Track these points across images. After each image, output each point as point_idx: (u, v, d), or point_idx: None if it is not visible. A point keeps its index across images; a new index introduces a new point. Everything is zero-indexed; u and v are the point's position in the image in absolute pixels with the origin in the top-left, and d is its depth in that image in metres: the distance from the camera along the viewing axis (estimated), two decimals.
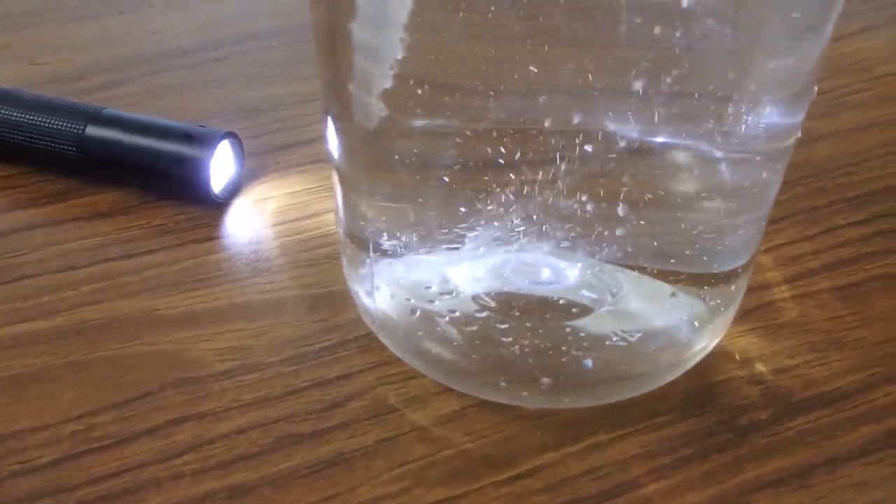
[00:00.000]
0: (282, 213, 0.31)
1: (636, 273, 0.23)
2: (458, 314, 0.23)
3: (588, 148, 0.20)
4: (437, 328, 0.24)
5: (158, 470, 0.23)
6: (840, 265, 0.29)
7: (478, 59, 0.20)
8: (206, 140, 0.30)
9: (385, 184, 0.23)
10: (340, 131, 0.23)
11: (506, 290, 0.23)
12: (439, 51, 0.20)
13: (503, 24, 0.19)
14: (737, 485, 0.23)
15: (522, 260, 0.23)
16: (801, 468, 0.23)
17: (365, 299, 0.25)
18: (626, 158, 0.21)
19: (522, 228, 0.22)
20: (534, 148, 0.21)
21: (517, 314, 0.23)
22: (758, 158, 0.22)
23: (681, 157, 0.21)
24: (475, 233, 0.22)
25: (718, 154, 0.21)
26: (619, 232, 0.22)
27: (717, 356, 0.26)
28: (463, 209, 0.22)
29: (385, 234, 0.24)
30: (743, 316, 0.27)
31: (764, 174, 0.23)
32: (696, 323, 0.24)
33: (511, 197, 0.21)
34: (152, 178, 0.31)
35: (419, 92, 0.21)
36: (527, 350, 0.23)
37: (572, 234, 0.22)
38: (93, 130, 0.31)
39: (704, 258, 0.23)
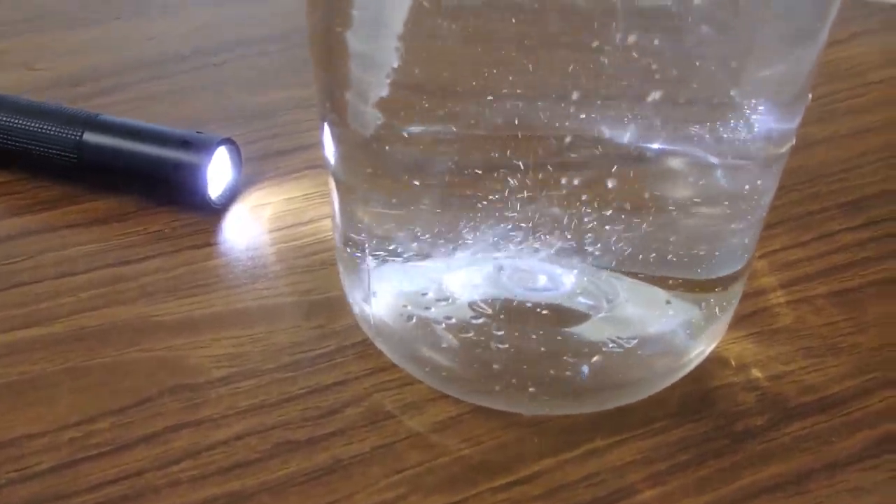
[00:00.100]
0: (279, 219, 0.31)
1: (632, 279, 0.23)
2: (454, 321, 0.23)
3: (584, 154, 0.21)
4: (434, 335, 0.24)
5: (156, 477, 0.23)
6: (835, 271, 0.29)
7: (473, 67, 0.20)
8: (203, 146, 0.31)
9: (381, 190, 0.23)
10: (337, 138, 0.23)
11: (502, 296, 0.23)
12: (435, 58, 0.20)
13: (498, 32, 0.19)
14: (733, 491, 0.23)
15: (518, 266, 0.23)
16: (798, 474, 0.23)
17: (361, 306, 0.25)
18: (622, 165, 0.21)
19: (518, 235, 0.22)
20: (529, 154, 0.21)
21: (513, 321, 0.23)
22: (753, 164, 0.22)
23: (676, 163, 0.21)
24: (471, 239, 0.22)
25: (714, 160, 0.21)
26: (614, 238, 0.22)
27: (713, 362, 0.26)
28: (459, 216, 0.22)
29: (381, 240, 0.24)
30: (738, 322, 0.27)
31: (759, 180, 0.23)
32: (691, 329, 0.24)
33: (507, 203, 0.21)
34: (149, 185, 0.31)
35: (415, 99, 0.21)
36: (523, 356, 0.23)
37: (568, 241, 0.22)
38: (90, 136, 0.31)
39: (700, 264, 0.23)
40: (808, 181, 0.33)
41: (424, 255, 0.23)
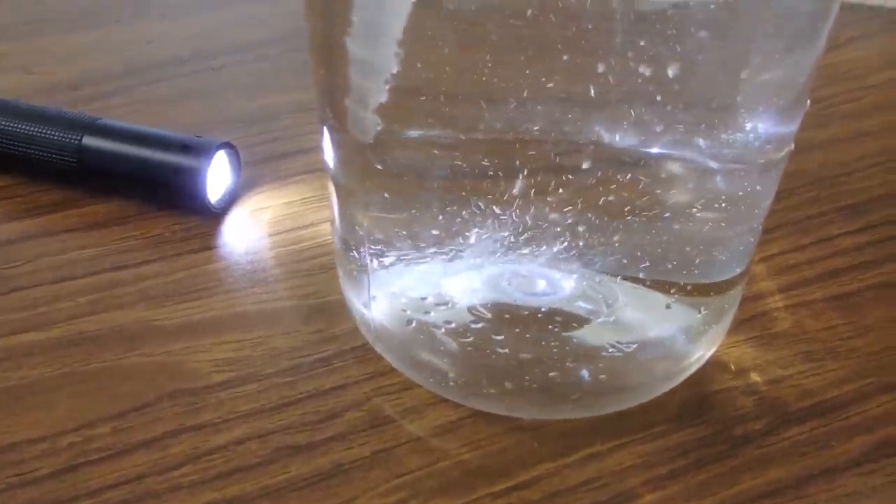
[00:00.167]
0: (278, 223, 0.31)
1: (631, 284, 0.23)
2: (453, 325, 0.23)
3: (583, 159, 0.21)
4: (433, 339, 0.24)
5: (156, 482, 0.23)
6: (834, 275, 0.29)
7: (473, 72, 0.20)
8: (202, 150, 0.31)
9: (381, 194, 0.23)
10: (336, 142, 0.23)
11: (501, 301, 0.24)
12: (434, 64, 0.20)
13: (498, 37, 0.19)
14: (732, 496, 0.23)
15: (518, 271, 0.23)
16: (797, 479, 0.23)
17: (361, 310, 0.25)
18: (621, 169, 0.21)
19: (518, 239, 0.22)
20: (529, 159, 0.21)
21: (513, 325, 0.23)
22: (752, 169, 0.22)
23: (675, 167, 0.21)
24: (471, 244, 0.22)
25: (713, 165, 0.22)
26: (614, 243, 0.22)
27: (713, 366, 0.26)
28: (458, 220, 0.22)
29: (381, 244, 0.24)
30: (737, 326, 0.27)
31: (758, 185, 0.23)
32: (691, 333, 0.24)
33: (506, 208, 0.21)
34: (149, 189, 0.31)
35: (415, 104, 0.21)
36: (522, 361, 0.23)
37: (568, 245, 0.22)
38: (89, 141, 0.31)
39: (699, 269, 0.23)
40: (806, 185, 0.33)
41: (424, 260, 0.23)
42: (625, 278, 0.23)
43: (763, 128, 0.21)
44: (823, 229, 0.31)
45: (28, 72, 0.39)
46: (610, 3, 0.18)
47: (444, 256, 0.23)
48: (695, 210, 0.22)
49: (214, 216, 0.31)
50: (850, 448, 0.24)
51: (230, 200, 0.32)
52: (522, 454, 0.24)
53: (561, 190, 0.21)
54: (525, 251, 0.22)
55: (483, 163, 0.21)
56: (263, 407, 0.25)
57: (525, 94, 0.20)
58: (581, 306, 0.24)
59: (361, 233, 0.24)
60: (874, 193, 0.33)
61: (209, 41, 0.41)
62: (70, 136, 0.31)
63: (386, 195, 0.23)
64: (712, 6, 0.19)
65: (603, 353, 0.23)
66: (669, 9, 0.19)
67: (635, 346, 0.23)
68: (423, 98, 0.21)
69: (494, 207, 0.21)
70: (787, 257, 0.30)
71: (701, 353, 0.25)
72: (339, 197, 0.24)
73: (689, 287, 0.23)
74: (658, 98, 0.20)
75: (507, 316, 0.23)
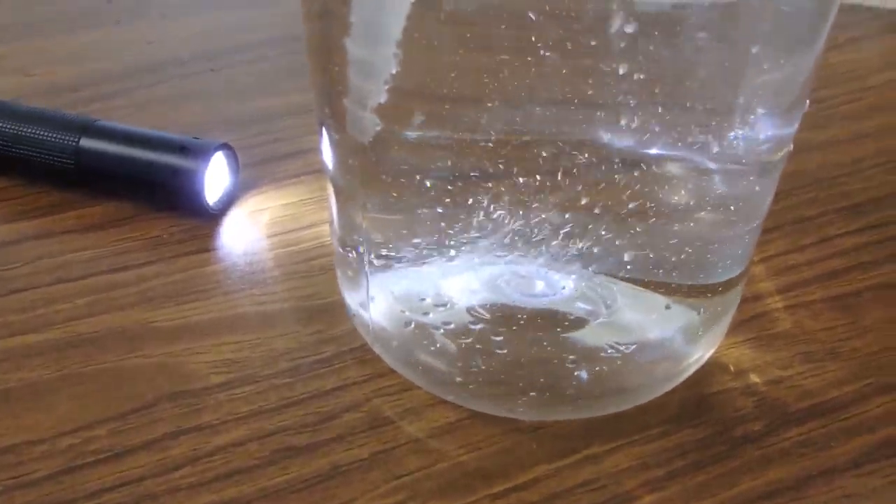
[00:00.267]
0: (276, 224, 0.31)
1: (630, 285, 0.23)
2: (452, 326, 0.23)
3: (582, 160, 0.21)
4: (432, 340, 0.24)
5: (155, 484, 0.23)
6: (833, 275, 0.29)
7: (472, 72, 0.20)
8: (200, 152, 0.31)
9: (380, 195, 0.23)
10: (335, 143, 0.23)
11: (500, 302, 0.23)
12: (433, 65, 0.20)
13: (497, 38, 0.19)
14: (731, 497, 0.23)
15: (516, 272, 0.23)
16: (796, 480, 0.23)
17: (360, 311, 0.25)
18: (620, 170, 0.21)
19: (516, 240, 0.22)
20: (527, 159, 0.21)
21: (511, 326, 0.23)
22: (751, 170, 0.22)
23: (674, 168, 0.21)
24: (469, 245, 0.22)
25: (712, 166, 0.22)
26: (612, 244, 0.22)
27: (712, 367, 0.26)
28: (457, 221, 0.22)
29: (380, 245, 0.24)
30: (736, 327, 0.27)
31: (757, 185, 0.23)
32: (690, 334, 0.24)
33: (505, 209, 0.21)
34: (147, 190, 0.31)
35: (413, 105, 0.21)
36: (521, 362, 0.23)
37: (566, 246, 0.22)
38: (87, 142, 0.31)
39: (698, 269, 0.23)
40: (805, 186, 0.33)
41: (422, 261, 0.23)
42: (624, 279, 0.23)
43: (762, 129, 0.21)
44: (822, 230, 0.31)
45: (27, 73, 0.39)
46: (609, 5, 0.18)
47: (443, 257, 0.23)
48: (694, 211, 0.22)
49: (213, 218, 0.31)
50: (849, 449, 0.24)
51: (228, 202, 0.32)
52: (521, 455, 0.24)
53: (560, 191, 0.21)
54: (524, 252, 0.22)
55: (482, 163, 0.21)
56: (262, 408, 0.25)
57: (523, 94, 0.20)
58: (580, 307, 0.23)
59: (360, 234, 0.24)
60: (873, 194, 0.33)
61: (208, 43, 0.41)
62: (68, 137, 0.31)
63: (385, 196, 0.23)
64: (711, 8, 0.19)
65: (602, 354, 0.23)
66: (669, 10, 0.19)
67: (634, 347, 0.23)
68: (422, 99, 0.21)
69: (493, 208, 0.21)
70: (787, 258, 0.30)
71: (700, 354, 0.25)
72: (337, 198, 0.24)
73: (688, 288, 0.23)
74: (657, 99, 0.20)
75: (505, 317, 0.23)
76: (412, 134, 0.21)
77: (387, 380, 0.26)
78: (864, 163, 0.34)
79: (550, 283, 0.23)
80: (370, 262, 0.24)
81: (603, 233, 0.22)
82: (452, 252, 0.23)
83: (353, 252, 0.24)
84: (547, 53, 0.19)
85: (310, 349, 0.27)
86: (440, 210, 0.22)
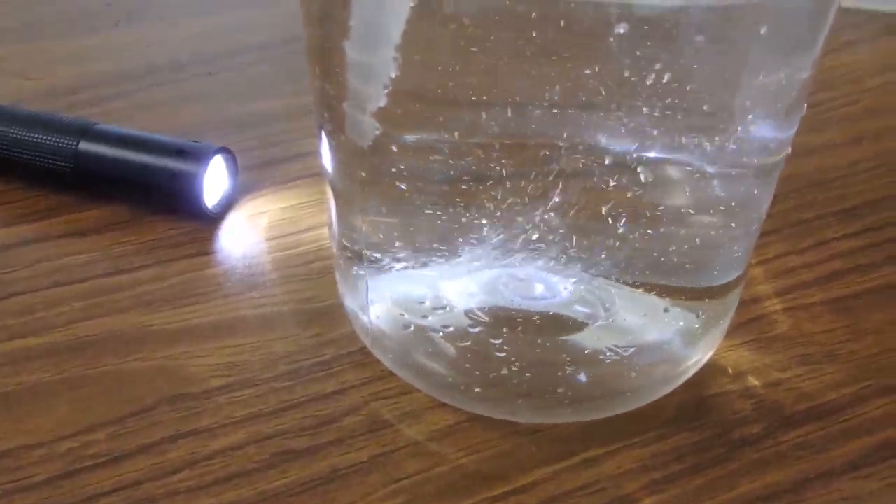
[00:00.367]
0: (275, 227, 0.31)
1: (629, 288, 0.23)
2: (451, 329, 0.23)
3: (580, 163, 0.21)
4: (431, 343, 0.24)
5: (154, 487, 0.23)
6: (831, 278, 0.29)
7: (471, 76, 0.20)
8: (199, 155, 0.31)
9: (379, 198, 0.23)
10: (334, 147, 0.23)
11: (499, 305, 0.24)
12: (433, 68, 0.20)
13: (496, 41, 0.19)
14: (730, 499, 0.23)
15: (515, 275, 0.23)
16: (794, 482, 0.23)
17: (359, 314, 0.25)
18: (618, 174, 0.21)
19: (515, 243, 0.22)
20: (526, 163, 0.21)
21: (510, 329, 0.23)
22: (749, 173, 0.22)
23: (673, 172, 0.21)
24: (468, 248, 0.22)
25: (710, 169, 0.22)
26: (612, 247, 0.22)
27: (710, 370, 0.26)
28: (456, 224, 0.22)
29: (379, 248, 0.24)
30: (735, 329, 0.27)
31: (755, 189, 0.23)
32: (689, 337, 0.24)
33: (504, 212, 0.21)
34: (146, 194, 0.31)
35: (413, 108, 0.21)
36: (520, 365, 0.23)
37: (565, 249, 0.22)
38: (86, 146, 0.31)
39: (697, 273, 0.23)
40: (803, 188, 0.33)
41: (421, 264, 0.23)
42: (622, 282, 0.23)
43: (761, 132, 0.21)
44: (820, 232, 0.31)
45: (26, 77, 0.39)
46: (608, 8, 0.18)
47: (442, 260, 0.23)
48: (693, 214, 0.22)
49: (211, 221, 0.31)
50: (847, 451, 0.24)
51: (227, 205, 0.32)
52: (520, 458, 0.24)
53: (558, 194, 0.21)
54: (523, 255, 0.22)
55: (481, 167, 0.21)
56: (261, 411, 0.25)
57: (522, 98, 0.20)
58: (578, 310, 0.24)
59: (359, 237, 0.24)
60: (871, 197, 0.33)
61: (207, 45, 0.41)
62: (66, 140, 0.31)
63: (384, 199, 0.23)
64: (710, 11, 0.19)
65: (600, 357, 0.23)
66: (667, 13, 0.19)
67: (633, 349, 0.23)
68: (421, 102, 0.21)
69: (492, 211, 0.21)
70: (785, 260, 0.30)
71: (699, 357, 0.25)
72: (336, 201, 0.24)
73: (687, 291, 0.23)
74: (655, 102, 0.20)
75: (504, 320, 0.23)
76: (411, 137, 0.21)
77: (386, 383, 0.26)
78: (861, 165, 0.34)
79: (549, 286, 0.23)
80: (369, 265, 0.24)
81: (602, 236, 0.22)
82: (451, 255, 0.23)
83: (353, 255, 0.24)
84: (545, 57, 0.19)
85: (309, 352, 0.27)
86: (439, 213, 0.22)
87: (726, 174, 0.22)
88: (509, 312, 0.23)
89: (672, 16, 0.19)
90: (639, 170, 0.21)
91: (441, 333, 0.23)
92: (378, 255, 0.24)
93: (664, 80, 0.20)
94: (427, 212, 0.22)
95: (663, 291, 0.23)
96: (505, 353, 0.23)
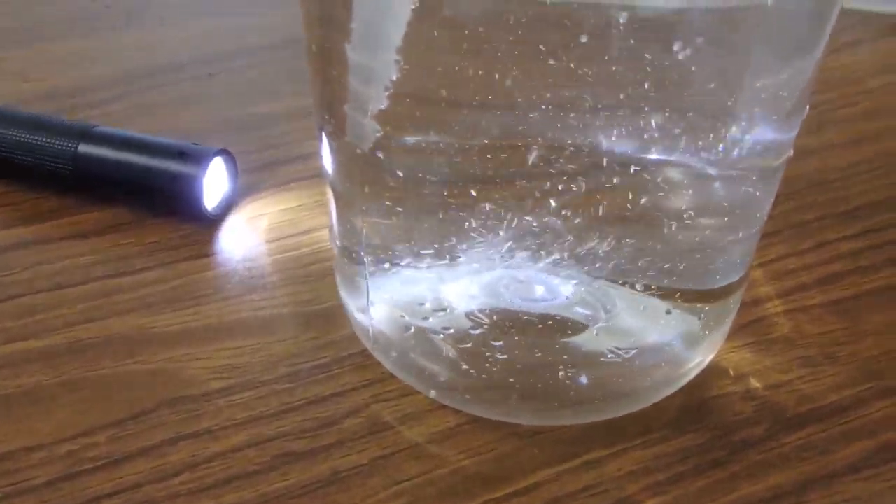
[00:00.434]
0: (275, 229, 0.31)
1: (630, 290, 0.23)
2: (452, 331, 0.23)
3: (581, 165, 0.21)
4: (432, 345, 0.24)
5: (154, 490, 0.23)
6: (832, 280, 0.29)
7: (472, 78, 0.20)
8: (199, 157, 0.31)
9: (379, 200, 0.23)
10: (335, 149, 0.23)
11: (500, 307, 0.23)
12: (433, 71, 0.20)
13: (496, 43, 0.19)
14: (731, 501, 0.23)
15: (516, 277, 0.23)
16: (796, 484, 0.23)
17: (359, 316, 0.25)
18: (619, 176, 0.21)
19: (516, 245, 0.22)
20: (527, 165, 0.21)
21: (511, 331, 0.23)
22: (751, 175, 0.22)
23: (674, 174, 0.21)
24: (469, 249, 0.22)
25: (712, 171, 0.22)
26: (613, 249, 0.22)
27: (712, 372, 0.26)
28: (457, 226, 0.22)
29: (379, 250, 0.24)
30: (736, 331, 0.27)
31: (757, 191, 0.23)
32: (690, 339, 0.24)
33: (505, 214, 0.21)
34: (145, 196, 0.31)
35: (414, 111, 0.21)
36: (521, 367, 0.23)
37: (566, 251, 0.22)
38: (85, 148, 0.31)
39: (699, 275, 0.23)
40: (803, 190, 0.33)
41: (422, 265, 0.23)
42: (624, 284, 0.23)
43: (763, 134, 0.21)
44: (821, 234, 0.31)
45: (24, 79, 0.39)
46: (609, 10, 0.18)
47: (443, 262, 0.23)
48: (694, 216, 0.22)
49: (211, 223, 0.31)
50: (849, 453, 0.24)
51: (227, 207, 0.32)
52: (521, 460, 0.24)
53: (559, 196, 0.21)
54: (523, 257, 0.22)
55: (482, 169, 0.21)
56: (262, 414, 0.25)
57: (523, 100, 0.20)
58: (579, 312, 0.23)
59: (360, 238, 0.24)
60: (871, 198, 0.33)
61: (206, 47, 0.41)
62: (66, 143, 0.31)
63: (384, 201, 0.23)
64: (712, 13, 0.19)
65: (601, 359, 0.23)
66: (669, 15, 0.19)
67: (634, 352, 0.23)
68: (422, 104, 0.21)
69: (493, 213, 0.21)
70: (785, 262, 0.30)
71: (700, 359, 0.25)
72: (337, 203, 0.24)
73: (688, 293, 0.23)
74: (657, 105, 0.20)
75: (505, 322, 0.23)
76: (412, 139, 0.21)
77: (386, 385, 0.26)
78: (861, 167, 0.34)
79: (550, 288, 0.23)
80: (369, 267, 0.24)
81: (603, 238, 0.22)
82: (451, 257, 0.23)
83: (353, 257, 0.24)
84: (546, 59, 0.19)
85: (309, 354, 0.26)
86: (440, 215, 0.22)
87: (728, 176, 0.22)
88: (510, 314, 0.23)
89: (674, 18, 0.19)
90: (640, 172, 0.21)
91: (442, 335, 0.23)
92: (379, 257, 0.24)
93: (666, 83, 0.20)
94: (428, 213, 0.22)
95: (665, 294, 0.23)
96: (506, 355, 0.23)
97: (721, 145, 0.21)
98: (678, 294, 0.23)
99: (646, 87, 0.19)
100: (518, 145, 0.21)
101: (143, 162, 0.31)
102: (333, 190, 0.24)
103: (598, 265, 0.22)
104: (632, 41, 0.19)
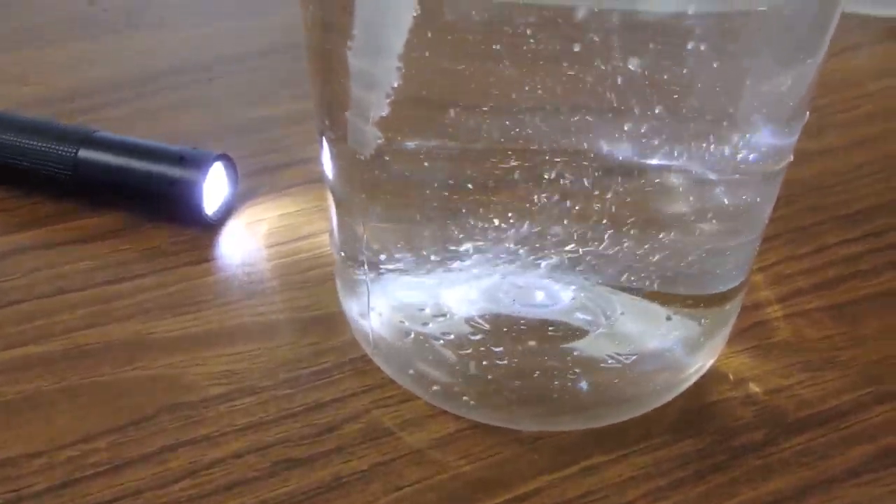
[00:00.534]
0: (275, 234, 0.31)
1: (630, 295, 0.23)
2: (452, 337, 0.23)
3: (582, 170, 0.21)
4: (432, 350, 0.24)
5: (154, 496, 0.23)
6: (831, 284, 0.29)
7: (473, 84, 0.20)
8: (198, 162, 0.30)
9: (380, 205, 0.23)
10: (335, 154, 0.23)
11: (500, 312, 0.23)
12: (435, 76, 0.20)
13: (497, 49, 0.19)
14: None
15: (516, 282, 0.23)
16: (796, 489, 0.23)
17: (359, 321, 0.25)
18: (620, 181, 0.21)
19: (516, 251, 0.22)
20: (528, 170, 0.21)
21: (511, 337, 0.23)
22: (752, 180, 0.22)
23: (675, 179, 0.21)
24: (469, 255, 0.22)
25: (712, 176, 0.22)
26: (613, 254, 0.22)
27: (712, 377, 0.26)
28: (457, 231, 0.22)
29: (379, 255, 0.24)
30: (736, 336, 0.27)
31: (757, 196, 0.23)
32: (690, 345, 0.24)
33: (505, 219, 0.21)
34: (145, 201, 0.31)
35: (415, 116, 0.21)
36: (521, 373, 0.23)
37: (566, 257, 0.22)
38: (85, 153, 0.31)
39: (699, 280, 0.23)
40: (803, 194, 0.33)
41: (422, 271, 0.23)
42: (624, 289, 0.23)
43: (763, 139, 0.21)
44: (820, 238, 0.31)
45: (23, 83, 0.39)
46: (610, 15, 0.18)
47: (443, 268, 0.23)
48: (695, 222, 0.22)
49: (211, 228, 0.31)
50: (849, 458, 0.24)
51: (227, 212, 0.32)
52: (522, 466, 0.24)
53: (560, 201, 0.21)
54: (524, 262, 0.22)
55: (483, 175, 0.21)
56: (262, 420, 0.25)
57: (524, 106, 0.20)
58: (580, 317, 0.23)
59: (360, 244, 0.24)
60: (871, 202, 0.33)
61: (206, 51, 0.41)
62: (66, 148, 0.31)
63: (385, 206, 0.23)
64: (713, 18, 0.19)
65: (602, 365, 0.23)
66: (669, 20, 0.19)
67: (634, 357, 0.23)
68: (423, 110, 0.21)
69: (493, 219, 0.21)
70: (785, 267, 0.30)
71: (700, 364, 0.25)
72: (337, 208, 0.24)
73: (688, 298, 0.23)
74: (658, 110, 0.20)
75: (505, 327, 0.23)
76: (413, 145, 0.21)
77: (386, 390, 0.25)
78: (861, 170, 0.34)
79: (550, 293, 0.23)
80: (370, 273, 0.24)
81: (603, 243, 0.22)
82: (452, 262, 0.23)
83: (353, 262, 0.24)
84: (547, 64, 0.19)
85: (309, 360, 0.26)
86: (440, 220, 0.22)
87: (728, 181, 0.22)
88: (510, 320, 0.23)
89: (674, 22, 0.19)
90: (641, 177, 0.21)
91: (442, 341, 0.23)
92: (379, 262, 0.24)
93: (667, 88, 0.20)
94: (428, 219, 0.22)
95: (665, 299, 0.23)
96: (506, 361, 0.23)
97: (722, 151, 0.21)
98: (679, 299, 0.23)
99: (646, 91, 0.19)
100: (519, 150, 0.21)
101: (143, 167, 0.31)
102: (334, 195, 0.24)
103: (597, 271, 0.22)
104: (633, 46, 0.19)
